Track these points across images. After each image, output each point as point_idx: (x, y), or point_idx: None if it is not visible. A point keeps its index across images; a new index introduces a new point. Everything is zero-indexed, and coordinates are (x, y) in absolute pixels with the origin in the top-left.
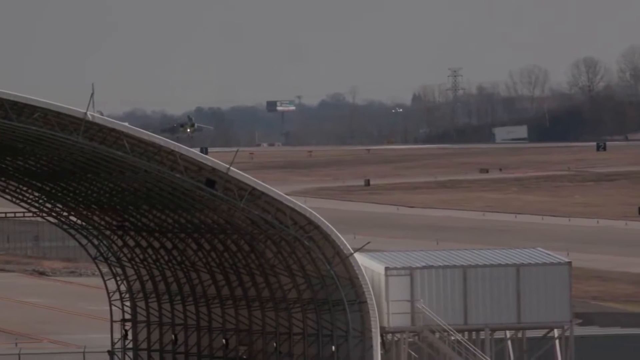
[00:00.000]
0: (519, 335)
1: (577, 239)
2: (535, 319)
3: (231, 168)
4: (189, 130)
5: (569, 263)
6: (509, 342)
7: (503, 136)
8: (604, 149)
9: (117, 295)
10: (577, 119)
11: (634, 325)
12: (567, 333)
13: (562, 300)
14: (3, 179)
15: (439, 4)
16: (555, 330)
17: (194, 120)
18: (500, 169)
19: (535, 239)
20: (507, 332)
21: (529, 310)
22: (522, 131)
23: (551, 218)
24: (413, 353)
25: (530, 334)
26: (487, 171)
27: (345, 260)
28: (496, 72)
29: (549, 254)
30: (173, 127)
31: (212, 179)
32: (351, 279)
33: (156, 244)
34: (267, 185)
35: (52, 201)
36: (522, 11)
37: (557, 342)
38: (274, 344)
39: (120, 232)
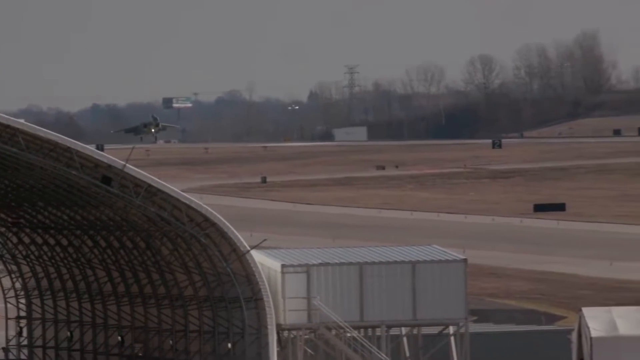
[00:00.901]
0: (415, 332)
1: (472, 236)
2: (430, 316)
3: (127, 165)
4: (153, 130)
5: (465, 260)
6: (405, 339)
7: (342, 137)
8: (500, 146)
9: (12, 293)
10: (472, 116)
11: (529, 322)
12: (463, 330)
13: (457, 297)
14: None
15: (334, 1)
16: (451, 327)
17: (159, 120)
18: (397, 166)
19: (431, 236)
20: (403, 328)
21: (424, 307)
22: (361, 133)
23: (447, 215)
24: (309, 350)
25: (425, 330)
26: (383, 168)
27: (241, 258)
28: (393, 69)
29: (445, 251)
30: (136, 127)
31: (108, 176)
32: (248, 276)
33: (52, 241)
34: (163, 182)
35: None
36: (418, 8)
37: (452, 338)
38: (170, 341)
39: (15, 229)
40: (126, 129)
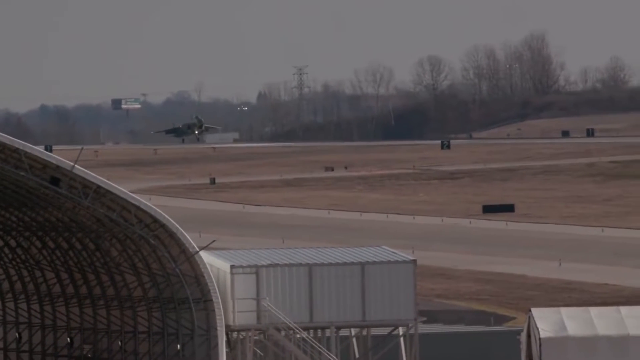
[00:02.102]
0: (364, 333)
1: (421, 237)
2: (380, 317)
3: (76, 166)
4: (196, 131)
5: (414, 261)
6: (354, 340)
7: (215, 140)
8: (448, 147)
9: None
10: (421, 117)
11: (478, 323)
12: (412, 331)
13: (406, 298)
14: None
15: (284, 2)
16: (400, 328)
17: (203, 121)
18: (346, 167)
19: (380, 237)
20: (352, 329)
21: (373, 308)
22: (232, 137)
23: (396, 216)
24: (258, 351)
25: (375, 331)
26: (332, 169)
27: (190, 259)
28: (341, 70)
29: (394, 252)
30: (178, 129)
31: (57, 177)
32: (197, 277)
33: (0, 243)
34: (112, 183)
35: None
36: (367, 9)
37: (401, 339)
38: (119, 343)
39: None
40: (167, 130)
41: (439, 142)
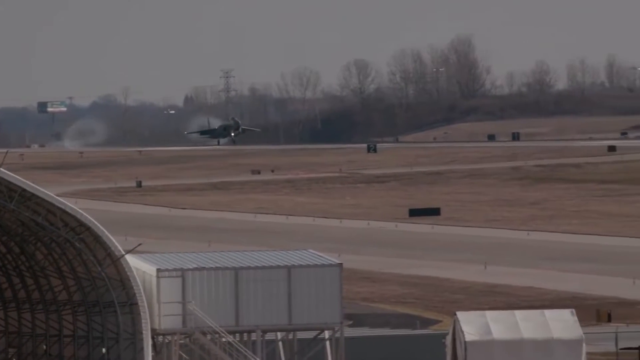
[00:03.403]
0: (290, 336)
1: (348, 240)
2: (306, 321)
3: (0, 169)
4: (233, 133)
5: (340, 264)
6: (280, 344)
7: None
8: (375, 150)
9: None
10: (348, 120)
11: (404, 326)
12: (338, 334)
13: (332, 302)
14: None
15: (210, 4)
16: (326, 332)
17: (240, 123)
18: (272, 171)
19: (306, 240)
20: (279, 333)
21: (300, 312)
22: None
23: (322, 220)
24: (184, 355)
25: (301, 335)
26: (259, 172)
27: (116, 262)
28: (269, 74)
29: (320, 256)
30: (214, 130)
31: None
32: (122, 280)
33: None
34: (37, 187)
35: None
36: (293, 12)
37: (327, 343)
38: (44, 346)
39: None
40: (201, 131)
41: (366, 145)
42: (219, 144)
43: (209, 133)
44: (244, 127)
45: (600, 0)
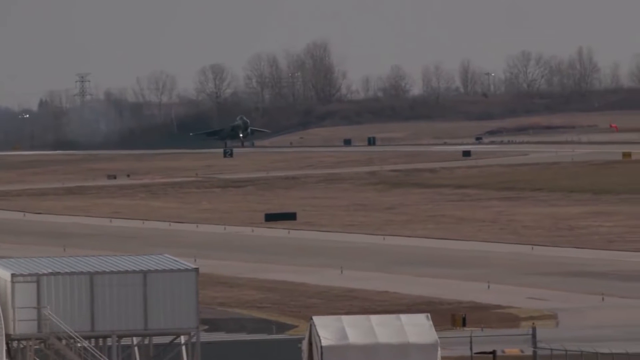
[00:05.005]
0: (146, 341)
1: (204, 245)
2: (162, 326)
3: None
4: (241, 134)
5: (196, 269)
6: (136, 349)
7: None
8: (231, 155)
9: None
10: (205, 125)
11: (260, 331)
12: (194, 339)
13: (188, 307)
14: None
15: (66, 7)
16: (182, 337)
17: (248, 123)
18: (128, 175)
19: (163, 245)
20: (134, 338)
21: (155, 317)
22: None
23: (179, 224)
24: None
25: (157, 340)
26: (115, 177)
27: None
28: (124, 78)
29: (176, 260)
30: (221, 131)
31: None
32: None
33: None
34: None
35: None
36: (149, 17)
37: (184, 348)
38: None
39: None
40: (208, 132)
41: (222, 150)
42: (226, 146)
43: (216, 134)
44: (253, 128)
45: (454, 5)
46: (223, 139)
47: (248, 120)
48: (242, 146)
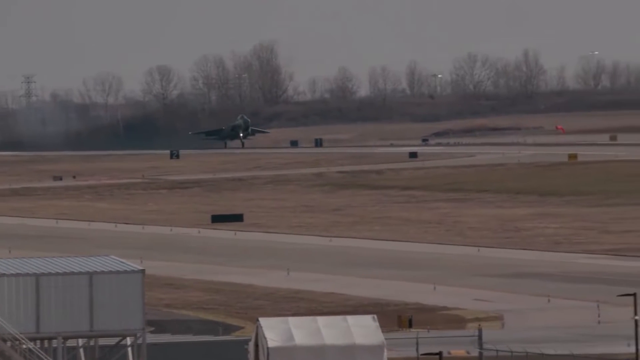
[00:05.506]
0: (92, 343)
1: (150, 246)
2: (108, 327)
3: None
4: (241, 134)
5: (142, 271)
6: (82, 350)
7: None
8: (178, 156)
9: None
10: (151, 126)
11: (206, 333)
12: (140, 341)
13: (134, 308)
14: None
15: (11, 8)
16: (128, 338)
17: (249, 123)
18: (74, 177)
19: (109, 246)
20: (80, 340)
21: (101, 318)
22: None
23: (125, 226)
24: None
25: (103, 341)
26: (60, 179)
27: None
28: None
29: (122, 262)
30: (221, 130)
31: None
32: None
33: None
34: None
35: None
36: (96, 17)
37: (129, 350)
38: None
39: None
40: (207, 132)
41: (169, 151)
42: (225, 146)
43: (216, 134)
44: (253, 128)
45: (400, 7)
46: (223, 139)
47: (249, 120)
48: (243, 147)
